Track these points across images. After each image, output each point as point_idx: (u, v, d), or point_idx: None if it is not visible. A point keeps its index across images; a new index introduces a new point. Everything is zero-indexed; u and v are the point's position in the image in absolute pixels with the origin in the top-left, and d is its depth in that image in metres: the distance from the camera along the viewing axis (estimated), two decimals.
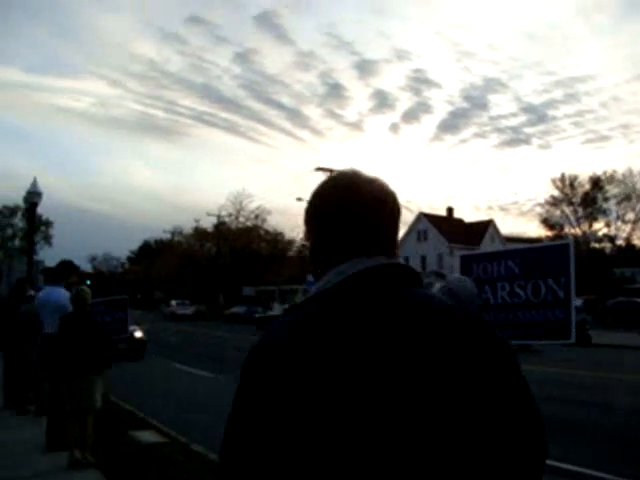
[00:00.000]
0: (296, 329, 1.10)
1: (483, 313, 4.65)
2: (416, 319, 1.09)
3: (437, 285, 4.66)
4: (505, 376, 1.12)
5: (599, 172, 58.25)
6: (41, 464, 6.47)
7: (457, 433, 1.04)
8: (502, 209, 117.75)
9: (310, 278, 46.03)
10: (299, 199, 45.35)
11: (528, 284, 6.44)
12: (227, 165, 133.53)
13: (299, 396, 1.03)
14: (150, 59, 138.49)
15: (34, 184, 16.55)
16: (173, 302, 60.16)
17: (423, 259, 66.10)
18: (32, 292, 11.71)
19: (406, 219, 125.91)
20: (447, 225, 67.04)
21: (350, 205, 1.21)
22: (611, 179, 57.66)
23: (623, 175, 57.18)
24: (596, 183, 57.88)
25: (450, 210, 72.57)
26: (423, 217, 68.15)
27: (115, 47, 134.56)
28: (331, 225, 1.22)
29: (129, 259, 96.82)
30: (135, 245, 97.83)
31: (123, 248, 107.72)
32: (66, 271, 7.57)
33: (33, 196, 16.49)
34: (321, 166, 45.03)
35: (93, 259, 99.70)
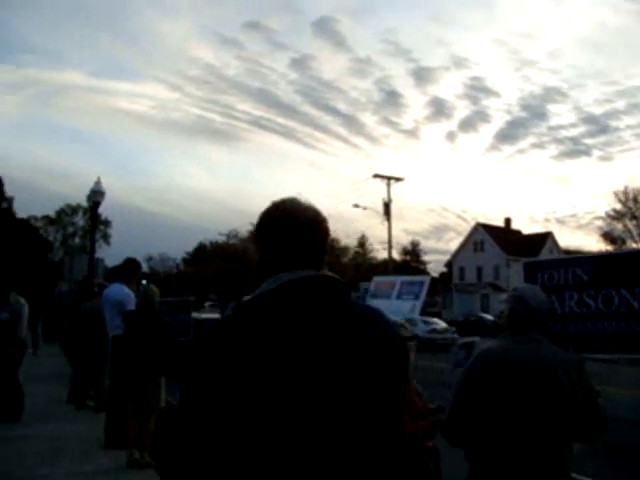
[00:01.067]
0: (233, 323, 1.43)
1: (550, 323, 4.43)
2: (328, 318, 1.40)
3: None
4: (382, 358, 1.42)
5: None
6: (101, 461, 6.47)
7: (345, 395, 1.34)
8: (559, 221, 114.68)
9: (365, 285, 45.97)
10: (356, 206, 45.50)
11: (599, 294, 6.16)
12: (283, 170, 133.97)
13: (227, 374, 1.30)
14: (208, 63, 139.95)
15: (98, 183, 16.89)
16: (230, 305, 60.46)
17: (479, 270, 65.11)
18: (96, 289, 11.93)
19: (461, 229, 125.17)
20: (504, 236, 65.85)
21: (288, 227, 1.51)
22: None
23: None
24: None
25: (508, 221, 71.34)
26: (480, 227, 67.11)
27: (174, 51, 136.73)
28: (272, 242, 1.53)
29: (184, 260, 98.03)
30: (190, 247, 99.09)
31: (179, 249, 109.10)
32: (131, 269, 7.56)
33: (96, 195, 16.83)
34: (378, 173, 45.09)
35: (149, 259, 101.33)
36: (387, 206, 43.96)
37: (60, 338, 19.86)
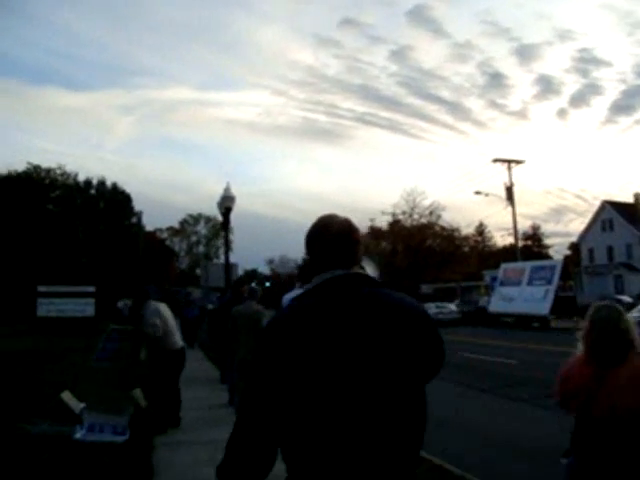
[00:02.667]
0: (294, 312, 1.84)
1: None
2: (364, 306, 1.78)
3: None
4: (409, 335, 1.77)
5: None
6: (281, 465, 6.31)
7: (391, 369, 1.72)
8: None
9: (493, 274, 44.94)
10: (477, 192, 44.34)
11: None
12: (393, 164, 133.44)
13: (293, 352, 1.70)
14: (308, 65, 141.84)
15: (227, 189, 17.07)
16: None
17: (610, 250, 61.72)
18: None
19: (581, 209, 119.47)
20: (635, 213, 62.06)
21: (323, 237, 1.94)
22: None
23: None
24: None
25: (637, 197, 67.16)
26: (607, 205, 63.53)
27: (274, 57, 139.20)
28: (314, 249, 1.97)
29: (304, 261, 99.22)
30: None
31: (298, 250, 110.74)
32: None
33: (226, 201, 17.02)
34: (497, 157, 43.71)
35: (270, 262, 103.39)
36: (509, 190, 42.51)
37: (201, 344, 20.45)
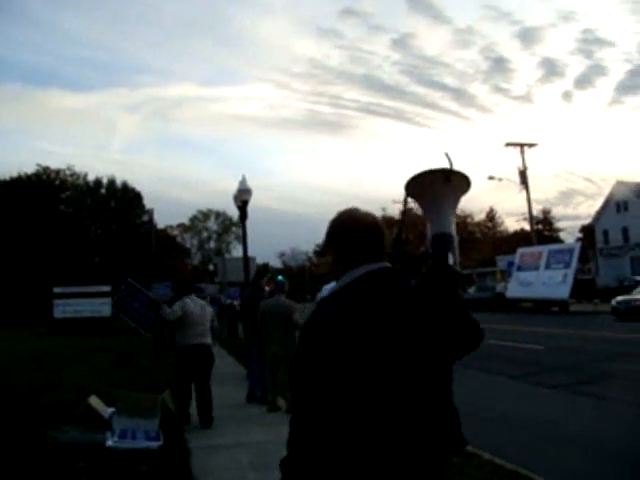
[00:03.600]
0: (333, 308, 1.86)
1: None
2: (402, 299, 1.87)
3: None
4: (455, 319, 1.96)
5: None
6: None
7: (430, 353, 1.85)
8: None
9: (506, 259, 44.57)
10: (491, 177, 43.90)
11: None
12: (399, 152, 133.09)
13: (338, 345, 1.76)
14: (310, 57, 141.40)
15: (243, 182, 16.77)
16: None
17: (624, 231, 61.02)
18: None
19: (590, 192, 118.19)
20: None
21: (351, 233, 1.99)
22: None
23: None
24: None
25: None
26: (621, 186, 62.80)
27: (276, 50, 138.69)
28: (341, 245, 2.01)
29: (315, 253, 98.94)
30: (319, 239, 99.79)
31: (309, 243, 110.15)
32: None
33: (243, 194, 16.72)
34: (510, 142, 43.22)
35: (282, 255, 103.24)
36: (523, 174, 42.05)
37: (220, 339, 20.23)
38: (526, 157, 43.12)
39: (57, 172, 54.29)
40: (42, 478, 5.47)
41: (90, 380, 11.46)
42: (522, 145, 42.96)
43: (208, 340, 8.48)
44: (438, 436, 1.83)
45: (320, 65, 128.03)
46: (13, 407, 8.81)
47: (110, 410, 7.62)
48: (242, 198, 16.67)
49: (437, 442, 1.82)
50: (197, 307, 8.48)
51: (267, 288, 13.34)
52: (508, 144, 42.99)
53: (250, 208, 16.95)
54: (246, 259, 16.96)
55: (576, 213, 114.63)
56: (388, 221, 65.33)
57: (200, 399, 8.22)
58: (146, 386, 10.28)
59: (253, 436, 7.36)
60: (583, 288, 34.80)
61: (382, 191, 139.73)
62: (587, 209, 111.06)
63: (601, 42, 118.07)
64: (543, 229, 78.04)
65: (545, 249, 38.69)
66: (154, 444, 6.63)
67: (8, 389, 10.67)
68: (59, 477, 5.50)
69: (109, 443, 6.66)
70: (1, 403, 9.08)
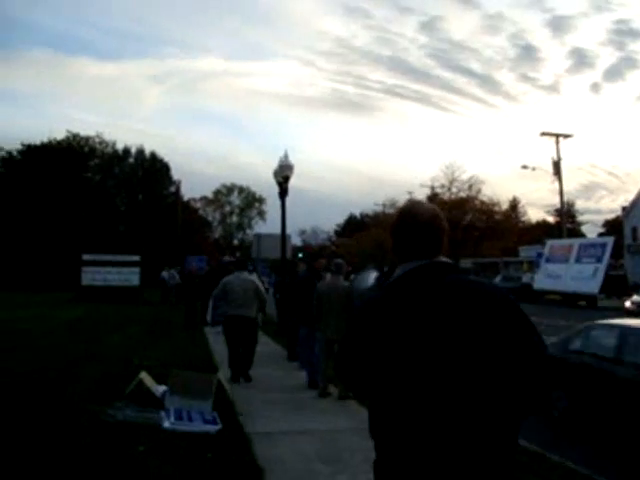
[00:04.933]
0: (381, 299, 2.03)
1: None
2: (449, 294, 1.89)
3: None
4: (507, 322, 1.86)
5: None
6: None
7: (469, 358, 1.81)
8: None
9: (530, 249, 43.79)
10: (524, 167, 43.22)
11: None
12: (422, 136, 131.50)
13: (379, 333, 1.91)
14: (337, 36, 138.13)
15: (285, 157, 16.47)
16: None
17: None
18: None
19: (612, 186, 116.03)
20: None
21: (410, 226, 2.04)
22: None
23: None
24: None
25: None
26: None
27: (302, 27, 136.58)
28: (399, 237, 2.07)
29: (336, 232, 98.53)
30: (340, 219, 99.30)
31: (329, 222, 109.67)
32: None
33: (285, 169, 16.41)
34: (545, 131, 42.34)
35: (302, 233, 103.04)
36: (557, 165, 41.24)
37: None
38: (550, 148, 42.37)
39: (87, 139, 54.28)
40: (104, 460, 5.20)
41: (130, 351, 11.27)
42: (557, 135, 42.07)
43: (248, 312, 9.66)
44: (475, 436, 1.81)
45: (346, 44, 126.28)
46: (60, 378, 8.61)
47: (162, 388, 7.38)
48: (283, 174, 16.38)
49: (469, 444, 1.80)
50: (243, 282, 9.81)
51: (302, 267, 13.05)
52: (544, 133, 42.08)
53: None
54: (284, 236, 16.72)
55: (597, 207, 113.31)
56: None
57: (242, 359, 9.56)
58: (188, 360, 10.14)
59: (312, 424, 7.08)
60: (614, 284, 34.11)
61: (405, 175, 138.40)
62: (609, 204, 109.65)
63: (634, 34, 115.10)
64: (566, 222, 77.05)
65: (576, 242, 38.01)
66: (213, 428, 6.34)
67: (51, 359, 10.51)
68: (121, 461, 5.22)
69: (166, 424, 6.37)
70: (47, 374, 8.90)
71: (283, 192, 16.53)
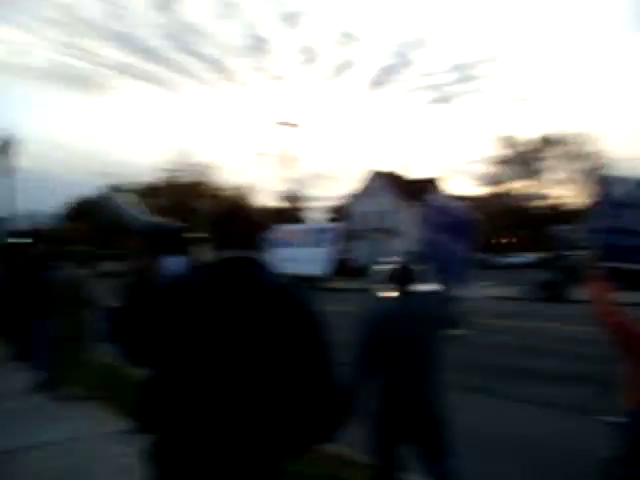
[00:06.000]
0: (183, 281, 2.06)
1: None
2: (244, 288, 1.97)
3: None
4: (296, 336, 1.92)
5: None
6: None
7: (248, 359, 1.87)
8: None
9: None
10: (259, 154, 44.66)
11: None
12: (155, 118, 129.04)
13: (176, 315, 1.95)
14: (64, 3, 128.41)
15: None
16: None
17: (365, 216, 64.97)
18: None
19: (341, 174, 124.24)
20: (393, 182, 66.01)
21: (222, 220, 2.13)
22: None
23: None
24: None
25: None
26: (375, 175, 66.90)
27: None
28: (213, 231, 2.13)
29: (63, 216, 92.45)
30: (63, 202, 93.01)
31: (50, 206, 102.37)
32: None
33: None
34: (278, 120, 44.00)
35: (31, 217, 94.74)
36: (285, 153, 42.88)
37: None
38: (287, 136, 44.17)
39: None
40: None
41: None
42: (287, 124, 43.76)
43: None
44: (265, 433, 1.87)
45: (74, 14, 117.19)
46: None
47: None
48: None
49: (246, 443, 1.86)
50: None
51: None
52: (277, 122, 43.72)
53: None
54: None
55: (325, 194, 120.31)
56: (153, 189, 63.33)
57: None
58: None
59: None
60: (342, 267, 36.32)
61: (142, 156, 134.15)
62: (336, 191, 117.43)
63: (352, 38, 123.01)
64: (297, 207, 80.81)
65: (305, 227, 39.87)
66: None
67: None
68: None
69: None
70: None
71: None
